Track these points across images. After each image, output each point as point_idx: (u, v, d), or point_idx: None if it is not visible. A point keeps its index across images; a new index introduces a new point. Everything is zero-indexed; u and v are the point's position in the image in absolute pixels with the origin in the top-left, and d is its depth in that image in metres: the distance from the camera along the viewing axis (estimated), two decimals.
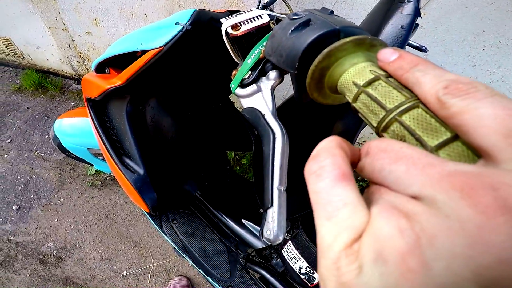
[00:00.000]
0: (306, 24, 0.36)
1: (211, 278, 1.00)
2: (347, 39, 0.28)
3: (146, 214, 1.15)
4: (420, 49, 0.71)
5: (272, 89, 0.48)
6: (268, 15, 0.52)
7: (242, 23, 0.51)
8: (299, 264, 0.84)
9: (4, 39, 2.54)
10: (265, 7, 0.74)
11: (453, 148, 0.19)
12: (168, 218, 1.13)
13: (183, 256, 1.07)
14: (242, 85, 0.50)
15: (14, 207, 1.99)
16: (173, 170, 1.11)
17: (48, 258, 1.82)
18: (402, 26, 0.52)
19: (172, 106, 0.94)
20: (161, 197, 0.90)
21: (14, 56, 2.71)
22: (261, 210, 0.54)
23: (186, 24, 0.60)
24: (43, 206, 1.98)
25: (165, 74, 0.80)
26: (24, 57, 2.67)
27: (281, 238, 0.37)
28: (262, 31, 0.52)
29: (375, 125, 0.24)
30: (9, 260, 1.82)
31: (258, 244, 1.05)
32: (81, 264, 1.80)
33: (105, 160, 1.32)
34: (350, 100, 0.28)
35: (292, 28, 0.36)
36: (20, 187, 2.07)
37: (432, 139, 0.20)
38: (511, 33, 1.20)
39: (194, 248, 1.06)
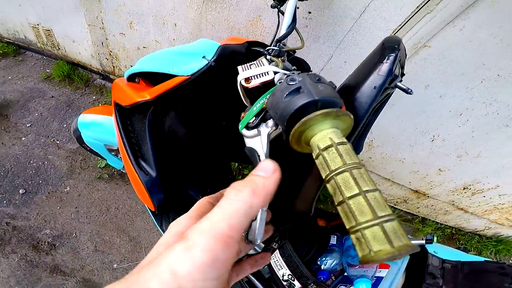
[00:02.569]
0: (297, 91, 0.45)
1: None
2: (318, 112, 0.40)
3: (149, 212, 1.20)
4: (406, 91, 0.75)
5: (269, 135, 0.56)
6: (274, 72, 0.61)
7: (253, 77, 0.61)
8: (282, 271, 0.95)
9: (46, 29, 2.70)
10: (279, 41, 0.82)
11: (356, 200, 0.32)
12: (169, 218, 1.19)
13: None
14: (247, 127, 0.58)
15: (20, 191, 2.03)
16: (180, 175, 1.16)
17: (41, 245, 1.84)
18: (374, 87, 0.59)
19: (188, 119, 1.02)
20: (166, 199, 0.95)
21: (51, 47, 2.86)
22: None
23: (211, 60, 0.71)
24: (48, 193, 2.02)
25: (187, 94, 0.89)
26: (59, 49, 2.82)
27: (258, 242, 0.45)
28: (267, 85, 0.61)
29: (323, 177, 0.37)
30: (1, 243, 1.83)
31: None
32: (73, 253, 1.81)
33: (118, 157, 1.41)
34: (314, 157, 0.40)
35: (287, 93, 0.45)
36: (30, 171, 2.12)
37: (348, 193, 0.33)
38: (510, 66, 1.22)
39: None
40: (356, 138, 0.95)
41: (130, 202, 2.01)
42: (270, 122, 0.56)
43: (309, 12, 1.37)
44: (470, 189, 1.81)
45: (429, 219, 2.23)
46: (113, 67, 2.58)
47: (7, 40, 3.28)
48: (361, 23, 1.31)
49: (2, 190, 2.03)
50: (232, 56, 0.76)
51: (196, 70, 0.73)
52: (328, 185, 0.36)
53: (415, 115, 1.56)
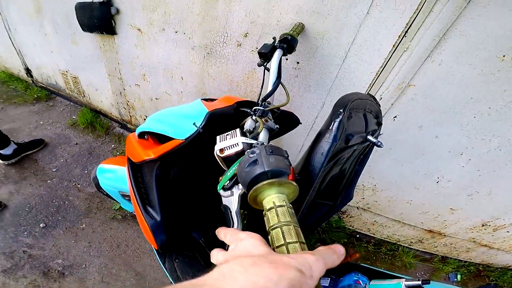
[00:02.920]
0: (254, 162, 0.55)
1: None
2: (264, 182, 0.51)
3: (154, 250, 1.29)
4: (376, 144, 0.83)
5: (239, 195, 0.68)
6: (243, 143, 0.72)
7: (226, 148, 0.72)
8: None
9: (73, 76, 3.00)
10: (264, 100, 0.92)
11: (281, 249, 0.41)
12: (171, 256, 1.26)
13: None
14: (224, 188, 0.70)
15: (41, 225, 2.20)
16: (183, 219, 1.27)
17: (51, 272, 1.95)
18: (322, 153, 0.68)
19: (189, 171, 1.15)
20: (170, 239, 1.05)
21: (77, 93, 3.16)
22: None
23: (199, 127, 0.82)
24: (66, 228, 2.18)
25: (186, 152, 1.01)
26: (84, 96, 3.11)
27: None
28: (238, 154, 0.72)
29: (267, 229, 0.46)
30: (15, 268, 1.96)
31: None
32: (80, 282, 1.90)
33: (130, 201, 1.52)
34: (264, 213, 0.50)
35: (247, 164, 0.56)
36: (52, 209, 2.31)
37: (277, 243, 0.42)
38: (499, 97, 1.19)
39: None
40: (344, 187, 1.04)
41: (139, 240, 2.12)
42: (241, 186, 0.67)
43: (297, 62, 1.46)
44: (490, 225, 1.75)
45: (450, 257, 2.12)
46: (130, 116, 2.79)
47: (41, 84, 3.66)
48: (345, 68, 1.36)
49: (25, 223, 2.21)
50: (221, 118, 0.87)
51: (188, 135, 0.84)
52: (268, 236, 0.45)
53: (414, 158, 1.56)
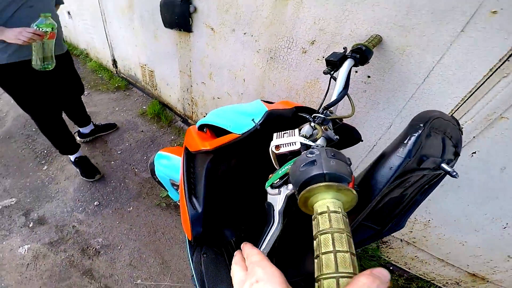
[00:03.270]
0: (312, 163, 0.52)
1: None
2: (321, 184, 0.48)
3: (187, 242, 1.32)
4: (450, 174, 0.72)
5: (286, 196, 0.65)
6: (301, 143, 0.70)
7: (282, 146, 0.71)
8: None
9: (150, 70, 3.24)
10: (326, 108, 0.88)
11: (328, 256, 0.39)
12: (201, 250, 1.27)
13: (195, 285, 1.19)
14: (272, 186, 0.68)
15: (95, 203, 2.37)
16: (221, 215, 1.27)
17: (89, 250, 2.07)
18: (390, 168, 0.60)
19: (237, 171, 1.16)
20: (204, 233, 1.06)
21: (150, 86, 3.40)
22: None
23: (257, 123, 0.81)
24: (115, 209, 2.32)
25: (240, 149, 1.03)
26: (156, 89, 3.33)
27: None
28: (294, 153, 0.70)
29: (314, 233, 0.44)
30: (60, 241, 2.12)
31: None
32: (110, 262, 1.99)
33: (177, 191, 1.59)
34: (312, 218, 0.47)
35: (304, 164, 0.53)
36: (109, 189, 2.49)
37: (324, 249, 0.40)
38: None
39: (208, 280, 1.18)
40: (398, 214, 0.94)
41: (175, 231, 2.17)
42: (290, 186, 0.65)
43: (368, 76, 1.36)
44: None
45: None
46: (192, 112, 2.91)
47: (123, 75, 4.02)
48: (425, 89, 1.23)
49: (82, 199, 2.41)
50: (278, 120, 0.86)
51: (246, 131, 0.83)
52: (314, 242, 0.43)
53: (485, 201, 1.37)
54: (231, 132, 0.90)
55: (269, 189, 0.69)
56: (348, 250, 0.39)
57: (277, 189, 0.67)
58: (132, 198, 2.41)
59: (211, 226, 1.24)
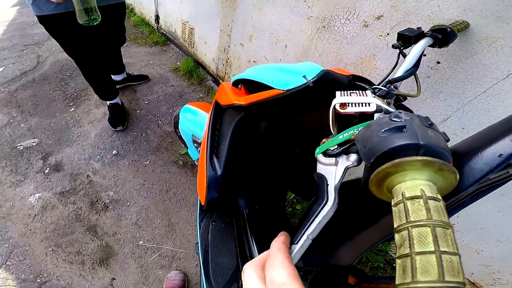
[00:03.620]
0: (399, 129, 0.39)
1: (205, 281, 1.06)
2: (418, 158, 0.35)
3: (198, 205, 1.27)
4: None
5: (346, 169, 0.52)
6: (377, 105, 0.55)
7: (350, 104, 0.56)
8: None
9: (191, 28, 3.16)
10: (391, 82, 0.76)
11: (426, 257, 0.29)
12: (210, 217, 1.22)
13: (197, 253, 1.15)
14: (325, 153, 0.55)
15: (114, 152, 2.35)
16: (239, 183, 1.19)
17: (98, 204, 2.05)
18: (500, 155, 0.45)
19: (268, 134, 1.05)
20: (218, 198, 0.99)
21: (188, 43, 3.33)
22: None
23: (310, 81, 0.69)
24: (132, 161, 2.29)
25: (276, 110, 0.92)
26: (193, 47, 3.25)
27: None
28: (364, 116, 0.56)
29: (394, 226, 0.34)
30: (71, 192, 2.11)
31: None
32: (116, 219, 1.97)
33: (197, 149, 1.53)
34: (392, 203, 0.37)
35: (386, 128, 0.40)
36: (130, 138, 2.46)
37: (419, 248, 0.29)
38: None
39: (212, 251, 1.14)
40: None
41: (187, 192, 2.11)
42: (353, 157, 0.52)
43: (438, 62, 1.23)
44: None
45: None
46: (225, 73, 2.81)
47: (162, 31, 4.01)
48: (504, 86, 1.09)
49: (102, 146, 2.39)
50: (332, 84, 0.73)
51: (293, 87, 0.71)
52: (396, 235, 0.33)
53: None
54: (272, 88, 0.78)
55: (321, 157, 0.56)
56: (457, 251, 0.29)
57: (333, 159, 0.54)
58: (151, 151, 2.37)
59: (227, 193, 1.16)
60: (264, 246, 1.11)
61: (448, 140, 0.41)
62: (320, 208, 0.51)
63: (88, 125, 2.56)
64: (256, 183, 1.23)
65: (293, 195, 2.00)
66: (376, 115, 0.55)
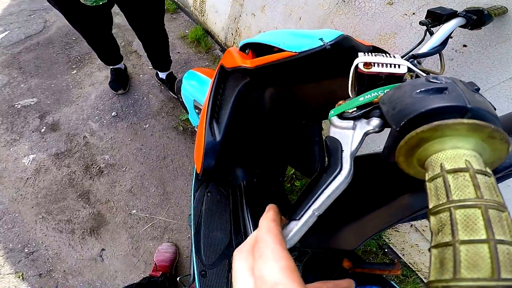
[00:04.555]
0: (439, 91, 0.33)
1: (195, 255, 1.03)
2: (464, 121, 0.28)
3: (194, 174, 1.24)
4: None
5: (365, 135, 0.46)
6: (409, 68, 0.48)
7: (376, 64, 0.49)
8: None
9: None
10: (415, 57, 0.72)
11: (474, 247, 0.22)
12: (206, 188, 1.19)
13: (190, 225, 1.12)
14: (341, 116, 0.49)
15: (113, 113, 2.30)
16: (238, 153, 1.17)
17: (93, 168, 2.01)
18: None
19: (271, 103, 1.00)
20: (215, 168, 0.96)
21: (199, 12, 3.21)
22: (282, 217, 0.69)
23: (327, 43, 0.62)
24: (131, 123, 2.24)
25: (286, 75, 0.86)
26: (203, 15, 3.14)
27: (287, 247, 0.38)
28: (391, 79, 0.48)
29: (430, 206, 0.28)
30: (67, 154, 2.06)
31: None
32: (110, 186, 1.93)
33: (199, 115, 1.49)
34: (426, 178, 0.30)
35: (423, 89, 0.34)
36: (130, 101, 2.40)
37: (465, 236, 0.23)
38: None
39: (205, 223, 1.11)
40: None
41: (185, 160, 2.07)
42: (375, 121, 0.45)
43: (464, 46, 1.18)
44: None
45: None
46: (234, 43, 2.74)
47: None
48: None
49: (101, 107, 2.33)
50: (349, 52, 0.65)
51: (307, 49, 0.65)
52: (432, 218, 0.27)
53: None
54: (284, 51, 0.72)
55: (336, 120, 0.49)
56: None
57: (351, 122, 0.47)
58: (151, 115, 2.32)
59: (224, 162, 1.13)
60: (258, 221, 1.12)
61: (495, 108, 0.35)
62: (331, 178, 0.44)
63: (89, 87, 2.49)
64: (256, 154, 1.19)
65: (293, 170, 1.97)
66: (407, 79, 0.49)
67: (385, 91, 0.42)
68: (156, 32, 2.21)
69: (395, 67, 0.47)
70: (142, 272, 1.70)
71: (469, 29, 0.96)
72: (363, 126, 0.45)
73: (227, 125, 0.88)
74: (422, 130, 0.30)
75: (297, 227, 0.41)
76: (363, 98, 0.46)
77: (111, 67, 2.48)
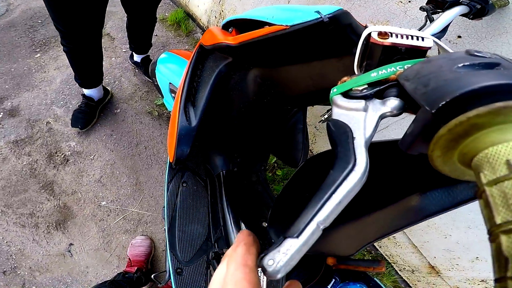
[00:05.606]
0: (490, 66, 0.28)
1: (170, 252, 0.99)
2: None
3: (167, 163, 1.18)
4: None
5: (381, 118, 0.38)
6: (436, 42, 0.43)
7: (394, 35, 0.42)
8: None
9: None
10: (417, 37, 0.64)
11: None
12: (181, 178, 1.13)
13: (163, 218, 1.07)
14: (347, 95, 0.40)
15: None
16: (217, 139, 1.14)
17: (57, 156, 1.88)
18: None
19: (256, 85, 0.93)
20: (191, 156, 0.93)
21: None
22: (264, 224, 0.67)
23: (325, 16, 0.57)
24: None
25: (273, 55, 0.79)
26: None
27: (278, 277, 0.29)
28: (411, 54, 0.42)
29: (497, 222, 0.21)
30: (27, 141, 1.91)
31: None
32: (77, 176, 1.82)
33: (174, 98, 1.37)
34: (483, 181, 0.23)
35: (467, 63, 0.28)
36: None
37: None
38: None
39: (180, 217, 1.06)
40: None
41: (160, 147, 1.97)
42: (393, 102, 0.36)
43: (459, 37, 1.17)
44: (487, 282, 1.60)
45: None
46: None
47: None
48: None
49: (67, 92, 2.16)
50: (347, 31, 0.59)
51: (301, 22, 0.59)
52: (505, 238, 0.20)
53: None
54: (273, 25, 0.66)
55: (340, 100, 0.40)
56: None
57: (362, 101, 0.38)
58: (123, 99, 2.17)
59: (201, 149, 1.13)
60: (239, 215, 1.06)
61: None
62: (343, 176, 0.34)
63: (54, 71, 2.31)
64: (236, 141, 1.15)
65: (275, 159, 1.92)
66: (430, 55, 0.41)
67: (405, 67, 0.35)
68: (149, 13, 2.07)
69: (418, 39, 0.42)
70: (116, 267, 1.64)
71: (470, 18, 0.96)
72: (377, 108, 0.37)
73: (204, 109, 0.84)
74: (477, 114, 0.23)
75: (294, 248, 0.31)
76: (376, 74, 0.38)
77: (85, 91, 2.02)
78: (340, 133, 0.37)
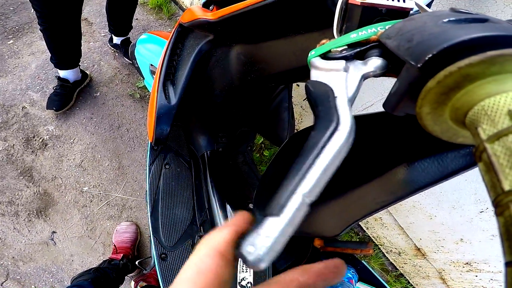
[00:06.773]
0: (478, 21, 0.26)
1: (154, 237, 0.97)
2: None
3: (148, 144, 1.15)
4: None
5: (363, 78, 0.35)
6: (418, 4, 0.40)
7: None
8: (244, 275, 0.85)
9: None
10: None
11: None
12: (164, 159, 1.11)
13: (147, 202, 1.05)
14: (327, 56, 0.38)
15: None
16: (200, 119, 1.12)
17: (35, 141, 1.81)
18: None
19: (239, 63, 0.90)
20: (171, 136, 0.91)
21: None
22: (250, 205, 0.69)
23: None
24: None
25: (255, 29, 0.77)
26: None
27: (262, 267, 0.24)
28: (393, 15, 0.40)
29: (505, 188, 0.17)
30: (2, 126, 1.84)
31: None
32: (57, 160, 1.76)
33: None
34: (482, 137, 0.20)
35: (453, 19, 0.26)
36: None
37: None
38: None
39: (163, 200, 1.04)
40: None
41: (143, 129, 1.91)
42: (375, 61, 0.34)
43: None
44: (472, 265, 1.62)
45: (405, 277, 2.05)
46: None
47: None
48: None
49: (43, 77, 2.07)
50: (326, 4, 0.55)
51: None
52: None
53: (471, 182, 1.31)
54: None
55: (318, 62, 0.38)
56: None
57: (342, 62, 0.36)
58: (103, 82, 2.08)
59: (185, 129, 1.12)
60: (225, 197, 1.06)
61: None
62: (325, 137, 0.29)
63: (29, 56, 2.22)
64: (221, 121, 1.13)
65: (262, 139, 1.91)
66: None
67: (387, 27, 0.34)
68: None
69: (399, 0, 0.40)
70: (101, 254, 1.64)
71: None
72: (359, 68, 0.35)
73: (185, 88, 0.83)
74: (470, 63, 0.21)
75: (278, 229, 0.25)
76: (356, 35, 0.37)
77: (60, 73, 1.99)
78: (320, 93, 0.34)
